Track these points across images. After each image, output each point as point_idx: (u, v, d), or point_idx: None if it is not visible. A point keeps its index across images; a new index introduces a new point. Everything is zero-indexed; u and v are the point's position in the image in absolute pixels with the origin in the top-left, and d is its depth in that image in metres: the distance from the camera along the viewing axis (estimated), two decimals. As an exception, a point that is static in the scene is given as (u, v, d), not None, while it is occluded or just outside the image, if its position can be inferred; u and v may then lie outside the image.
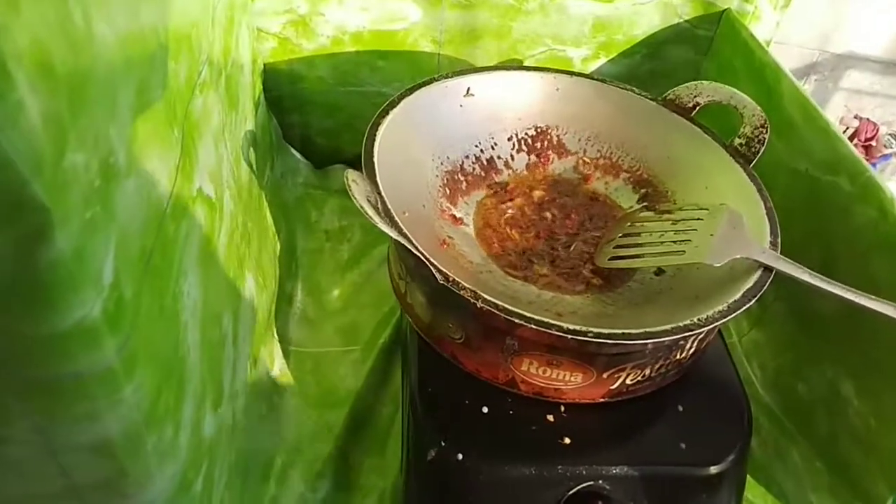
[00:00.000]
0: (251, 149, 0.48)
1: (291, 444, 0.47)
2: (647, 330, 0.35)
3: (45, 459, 0.23)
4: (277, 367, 0.50)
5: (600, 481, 0.39)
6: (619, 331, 0.35)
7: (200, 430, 0.31)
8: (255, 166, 0.48)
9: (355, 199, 0.35)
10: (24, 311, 0.18)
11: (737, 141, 0.47)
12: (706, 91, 0.49)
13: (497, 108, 0.49)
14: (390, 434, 0.49)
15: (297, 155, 0.64)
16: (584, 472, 0.39)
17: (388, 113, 0.44)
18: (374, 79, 0.60)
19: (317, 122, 0.64)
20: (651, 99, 0.50)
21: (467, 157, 0.48)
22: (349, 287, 0.57)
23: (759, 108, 0.46)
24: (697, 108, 0.49)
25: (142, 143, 0.23)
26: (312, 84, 0.60)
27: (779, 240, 0.41)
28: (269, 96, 0.60)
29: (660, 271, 0.44)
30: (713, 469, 0.40)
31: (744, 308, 0.36)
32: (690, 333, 0.36)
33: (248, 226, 0.45)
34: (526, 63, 0.60)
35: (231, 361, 0.38)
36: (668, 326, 0.35)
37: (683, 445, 0.40)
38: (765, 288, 0.38)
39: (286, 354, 0.51)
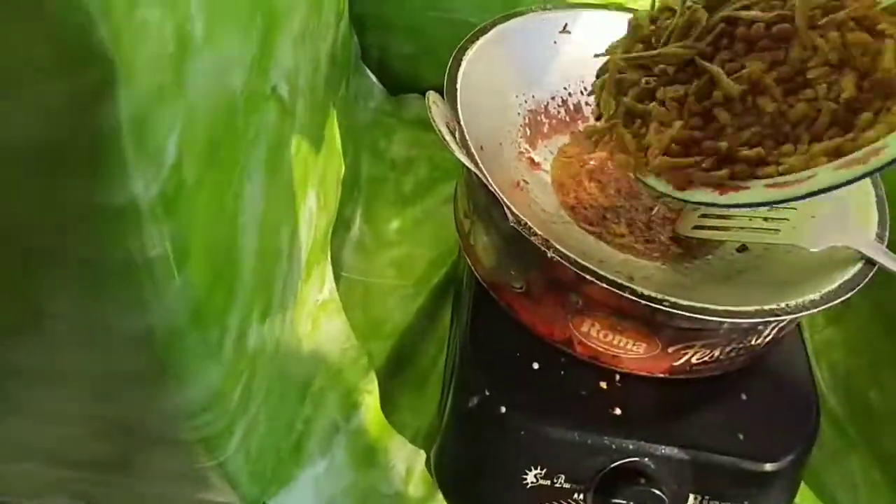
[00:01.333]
0: (329, 62, 0.46)
1: (332, 369, 0.46)
2: (730, 308, 0.32)
3: (87, 341, 0.23)
4: (327, 289, 0.49)
5: (646, 459, 0.37)
6: (699, 304, 0.32)
7: (245, 340, 0.30)
8: (330, 81, 0.46)
9: (434, 121, 0.33)
10: (79, 177, 0.17)
11: (854, 120, 0.42)
12: (828, 61, 0.44)
13: (593, 50, 0.45)
14: (431, 375, 0.48)
15: (373, 77, 0.61)
16: (630, 447, 0.37)
17: (477, 39, 0.41)
18: (464, 5, 0.57)
19: (397, 45, 0.61)
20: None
21: (553, 98, 0.45)
22: (409, 221, 0.55)
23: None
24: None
25: (223, 18, 0.21)
26: (399, 3, 0.58)
27: (886, 233, 0.37)
28: (352, 13, 0.57)
29: (743, 248, 0.41)
30: (769, 466, 0.37)
31: (838, 301, 0.33)
32: (775, 319, 0.33)
33: (317, 141, 0.43)
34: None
35: (283, 276, 0.36)
36: (751, 308, 0.32)
37: (741, 436, 0.37)
38: (865, 281, 0.34)
39: (337, 279, 0.50)
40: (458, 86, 0.38)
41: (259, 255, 0.30)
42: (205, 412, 0.27)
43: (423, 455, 0.44)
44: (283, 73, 0.32)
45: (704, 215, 0.40)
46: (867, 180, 0.39)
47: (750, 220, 0.39)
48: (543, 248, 0.32)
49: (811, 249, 0.35)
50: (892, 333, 0.46)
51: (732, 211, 0.38)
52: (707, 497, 0.38)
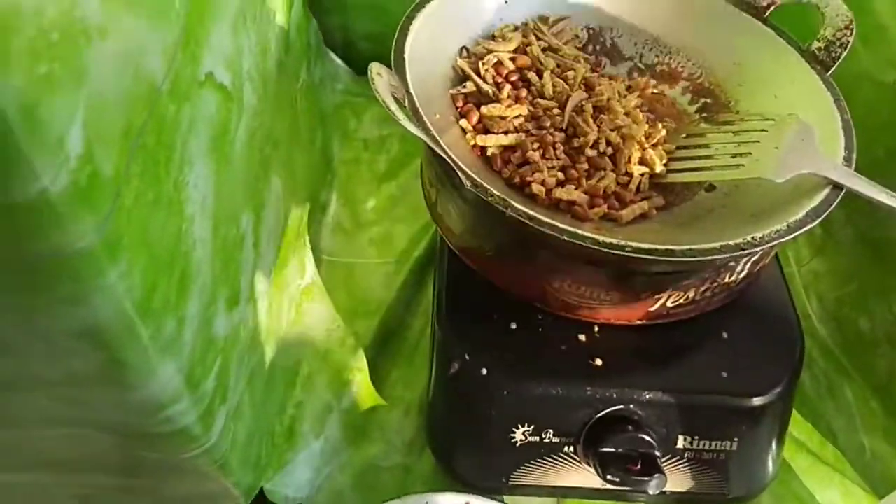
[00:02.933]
0: (282, 47, 0.46)
1: (320, 352, 0.46)
2: (693, 247, 0.32)
3: (35, 343, 0.23)
4: (309, 275, 0.49)
5: (631, 406, 0.37)
6: (662, 247, 0.32)
7: (210, 329, 0.30)
8: (286, 66, 0.46)
9: (377, 92, 0.32)
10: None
11: (815, 45, 0.41)
12: (784, -12, 0.43)
13: (546, 4, 0.45)
14: (419, 347, 0.48)
15: (338, 60, 0.61)
16: (614, 396, 0.37)
17: (425, 5, 0.40)
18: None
19: (360, 25, 0.61)
20: (719, -3, 0.45)
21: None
22: (385, 198, 0.55)
23: (844, 6, 0.41)
24: (772, 7, 0.43)
25: (124, 4, 0.21)
26: (355, -19, 0.57)
27: (854, 156, 0.36)
28: (308, -6, 0.57)
29: (711, 187, 0.40)
30: (755, 401, 0.37)
31: (806, 228, 0.33)
32: (742, 253, 0.32)
33: (276, 128, 0.43)
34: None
35: (251, 264, 0.36)
36: (716, 245, 0.32)
37: (725, 374, 0.37)
38: (832, 207, 0.34)
39: (318, 263, 0.50)
40: (407, 55, 0.38)
41: (215, 243, 0.30)
42: (174, 403, 0.28)
43: (416, 425, 0.44)
44: (222, 59, 0.32)
45: (670, 158, 0.40)
46: (832, 104, 0.39)
47: (715, 157, 0.39)
48: (502, 208, 0.32)
49: (777, 180, 0.35)
50: (878, 259, 0.46)
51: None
52: (696, 437, 0.38)
